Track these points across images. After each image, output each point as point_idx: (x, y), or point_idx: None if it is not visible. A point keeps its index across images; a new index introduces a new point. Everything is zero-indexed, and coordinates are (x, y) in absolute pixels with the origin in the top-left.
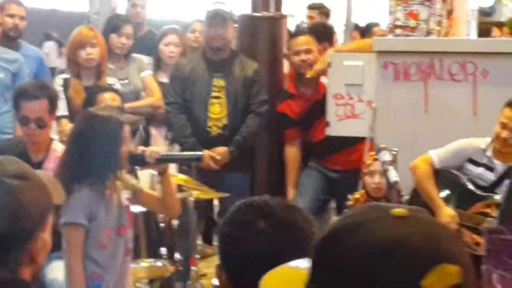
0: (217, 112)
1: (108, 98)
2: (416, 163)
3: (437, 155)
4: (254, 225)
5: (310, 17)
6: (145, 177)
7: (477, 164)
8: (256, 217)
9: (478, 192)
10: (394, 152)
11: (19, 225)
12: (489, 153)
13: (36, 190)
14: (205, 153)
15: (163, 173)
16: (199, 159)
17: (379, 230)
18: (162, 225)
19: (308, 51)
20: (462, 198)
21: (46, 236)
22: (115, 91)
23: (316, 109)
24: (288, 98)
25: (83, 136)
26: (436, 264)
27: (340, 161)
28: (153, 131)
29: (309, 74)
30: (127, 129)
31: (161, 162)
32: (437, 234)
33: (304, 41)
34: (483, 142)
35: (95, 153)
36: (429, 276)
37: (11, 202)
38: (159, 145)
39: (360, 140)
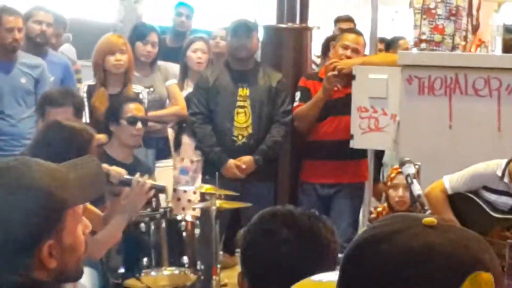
0: (243, 121)
1: (133, 108)
2: (429, 191)
3: (450, 181)
4: (277, 233)
5: (340, 30)
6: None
7: (493, 191)
8: (280, 225)
9: (496, 215)
10: (418, 166)
11: (12, 240)
12: (506, 179)
13: (30, 199)
14: (231, 162)
15: (118, 195)
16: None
17: (412, 238)
18: (184, 234)
19: (356, 51)
20: (480, 223)
21: (63, 241)
22: (140, 101)
23: (335, 105)
24: (315, 79)
25: (50, 145)
26: (471, 271)
27: (332, 170)
28: (185, 139)
29: (332, 61)
30: (95, 144)
31: (123, 184)
32: (470, 242)
33: (356, 39)
34: (499, 167)
35: (51, 159)
36: (465, 284)
37: (2, 216)
38: (189, 154)
39: (361, 155)
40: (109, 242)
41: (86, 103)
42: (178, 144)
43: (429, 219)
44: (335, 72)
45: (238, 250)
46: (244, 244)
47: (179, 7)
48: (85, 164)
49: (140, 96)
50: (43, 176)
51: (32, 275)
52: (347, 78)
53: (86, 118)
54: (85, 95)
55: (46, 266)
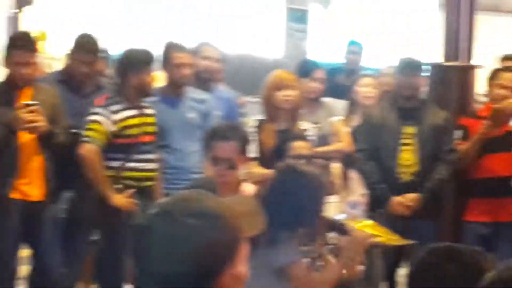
0: (407, 159)
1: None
2: None
3: None
4: (442, 268)
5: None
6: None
7: None
8: (444, 260)
9: None
10: None
11: (199, 266)
12: None
13: (220, 228)
14: (395, 199)
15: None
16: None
17: None
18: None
19: None
20: None
21: (236, 270)
22: (306, 139)
23: (494, 142)
24: (474, 118)
25: (285, 187)
26: None
27: (491, 208)
28: (352, 174)
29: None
30: (325, 194)
31: (339, 232)
32: None
33: None
34: None
35: (291, 206)
36: None
37: (190, 243)
38: (356, 189)
39: None
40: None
41: (255, 138)
42: (345, 178)
43: None
44: (497, 111)
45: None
46: (409, 280)
47: (351, 46)
48: (244, 202)
49: (307, 132)
50: (221, 207)
51: None
52: (508, 116)
53: (253, 152)
54: (253, 129)
55: None
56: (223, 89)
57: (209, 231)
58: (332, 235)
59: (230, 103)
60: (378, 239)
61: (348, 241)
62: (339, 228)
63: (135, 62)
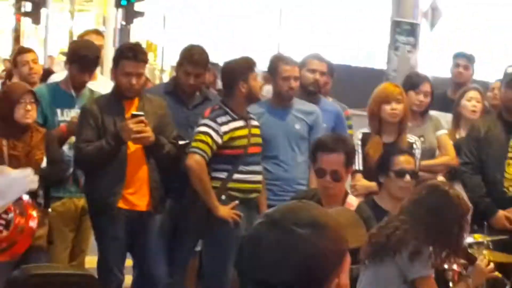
0: None
1: (403, 161)
2: None
3: None
4: None
5: None
6: None
7: None
8: None
9: None
10: None
11: (309, 275)
12: None
13: (328, 238)
14: (501, 213)
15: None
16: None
17: None
18: (451, 284)
19: None
20: None
21: (340, 281)
22: (410, 153)
23: None
24: None
25: (429, 205)
26: None
27: None
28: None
29: None
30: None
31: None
32: None
33: None
34: None
35: (433, 224)
36: None
37: (299, 252)
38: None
39: None
40: None
41: (360, 151)
42: None
43: None
44: None
45: None
46: None
47: (457, 58)
48: (344, 213)
49: (414, 146)
50: (328, 217)
51: None
52: None
53: (357, 165)
54: (359, 142)
55: None
56: (329, 101)
57: (318, 240)
58: (460, 261)
59: (336, 115)
60: (497, 273)
61: (473, 271)
62: (467, 256)
63: (241, 70)
